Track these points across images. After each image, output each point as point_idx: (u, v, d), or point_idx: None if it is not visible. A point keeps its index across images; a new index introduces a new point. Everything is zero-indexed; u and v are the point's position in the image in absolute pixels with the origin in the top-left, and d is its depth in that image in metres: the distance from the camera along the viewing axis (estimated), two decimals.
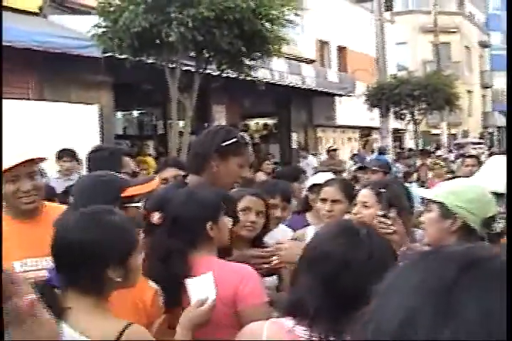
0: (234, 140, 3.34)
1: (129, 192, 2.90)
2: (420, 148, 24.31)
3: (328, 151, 19.24)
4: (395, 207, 3.46)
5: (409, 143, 31.28)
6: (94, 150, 4.23)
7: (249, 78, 11.39)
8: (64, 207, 3.18)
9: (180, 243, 2.81)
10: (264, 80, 13.12)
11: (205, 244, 2.85)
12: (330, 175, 5.27)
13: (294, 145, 21.72)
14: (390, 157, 19.70)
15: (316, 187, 4.79)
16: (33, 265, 3.02)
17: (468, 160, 8.49)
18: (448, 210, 2.81)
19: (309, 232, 4.09)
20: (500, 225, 2.87)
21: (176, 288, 2.71)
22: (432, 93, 21.24)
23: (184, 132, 10.92)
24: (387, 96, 21.32)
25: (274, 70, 16.02)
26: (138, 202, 2.98)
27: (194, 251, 2.83)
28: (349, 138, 26.51)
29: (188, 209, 2.86)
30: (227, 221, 2.94)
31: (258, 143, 19.57)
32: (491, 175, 3.59)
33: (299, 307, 1.98)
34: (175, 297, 2.73)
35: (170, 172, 4.61)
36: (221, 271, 2.71)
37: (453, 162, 17.98)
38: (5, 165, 2.96)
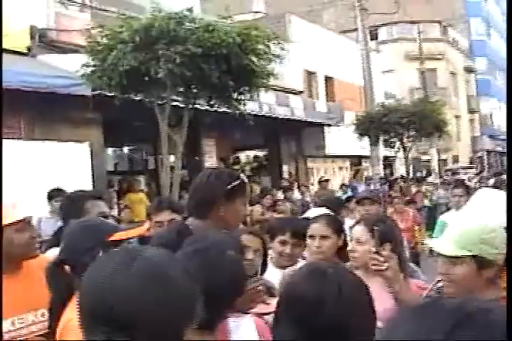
0: (238, 181, 3.31)
1: (117, 236, 2.88)
2: (411, 175, 24.34)
3: (320, 182, 19.29)
4: (389, 242, 3.47)
5: (399, 170, 31.35)
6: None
7: (238, 112, 11.42)
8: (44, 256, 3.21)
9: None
10: (253, 113, 13.16)
11: None
12: (323, 210, 5.25)
13: (285, 177, 21.71)
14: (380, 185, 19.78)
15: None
16: (21, 322, 3.04)
17: (456, 191, 8.41)
18: (486, 260, 2.64)
19: None
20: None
21: None
22: (420, 120, 21.26)
23: (175, 167, 10.91)
24: (376, 125, 21.34)
25: (262, 103, 16.08)
26: None
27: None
28: (340, 168, 26.55)
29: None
30: None
31: (252, 176, 19.50)
32: (488, 210, 3.58)
33: None
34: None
35: (165, 216, 4.49)
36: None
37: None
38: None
